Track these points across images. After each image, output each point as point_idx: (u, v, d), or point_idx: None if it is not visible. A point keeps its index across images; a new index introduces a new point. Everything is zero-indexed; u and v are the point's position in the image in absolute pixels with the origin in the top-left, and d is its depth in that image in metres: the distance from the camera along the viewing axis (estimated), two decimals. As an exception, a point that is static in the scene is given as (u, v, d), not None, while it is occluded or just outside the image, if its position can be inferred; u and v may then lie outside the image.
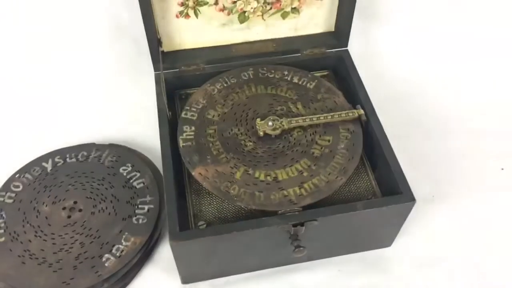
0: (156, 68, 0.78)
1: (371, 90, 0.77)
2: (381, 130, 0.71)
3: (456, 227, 0.79)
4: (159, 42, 0.76)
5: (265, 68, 0.79)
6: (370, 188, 0.71)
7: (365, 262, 0.75)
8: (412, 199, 0.64)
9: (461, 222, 0.79)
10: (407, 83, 0.99)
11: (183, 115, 0.73)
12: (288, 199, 0.65)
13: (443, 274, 0.74)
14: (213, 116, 0.73)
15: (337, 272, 0.73)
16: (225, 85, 0.77)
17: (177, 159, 0.70)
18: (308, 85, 0.77)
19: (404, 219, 0.69)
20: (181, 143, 0.70)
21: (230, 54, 0.81)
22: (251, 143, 0.71)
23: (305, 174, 0.67)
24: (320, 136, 0.71)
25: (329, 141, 0.70)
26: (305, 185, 0.66)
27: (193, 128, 0.72)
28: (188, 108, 0.74)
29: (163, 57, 0.78)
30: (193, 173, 0.67)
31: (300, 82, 0.78)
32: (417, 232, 0.77)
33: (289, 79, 0.78)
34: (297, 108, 0.74)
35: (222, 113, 0.74)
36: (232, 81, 0.77)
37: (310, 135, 0.71)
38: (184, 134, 0.71)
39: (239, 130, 0.72)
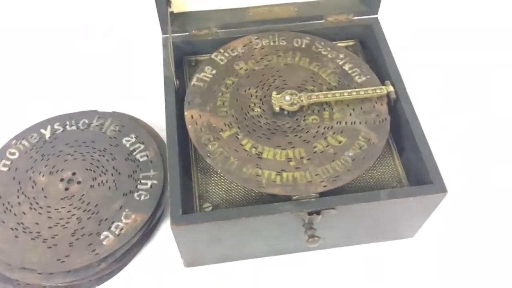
0: (163, 31, 0.71)
1: (402, 65, 0.69)
2: (412, 110, 0.64)
3: (485, 221, 0.72)
4: (168, 2, 0.69)
5: (322, 43, 0.71)
6: (395, 174, 0.64)
7: (384, 253, 0.69)
8: (443, 190, 0.57)
9: (490, 217, 0.73)
10: (443, 58, 0.90)
11: (213, 56, 0.70)
12: (258, 179, 0.58)
13: (465, 271, 0.68)
14: (240, 68, 0.68)
15: (350, 262, 0.68)
16: (271, 43, 0.71)
17: (183, 133, 0.64)
18: (357, 78, 0.68)
19: (432, 211, 0.62)
20: (194, 81, 0.66)
21: (247, 18, 0.74)
22: (259, 110, 0.65)
23: (291, 163, 0.60)
24: (334, 133, 0.63)
25: (340, 142, 0.62)
26: (283, 174, 0.59)
27: (214, 72, 0.68)
28: (222, 51, 0.70)
29: (172, 19, 0.71)
30: (185, 113, 0.64)
31: (350, 71, 0.68)
32: (442, 224, 0.71)
33: (340, 63, 0.69)
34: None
35: (250, 69, 0.68)
36: (281, 43, 0.71)
37: (325, 128, 0.63)
38: (202, 74, 0.67)
39: (256, 92, 0.66)
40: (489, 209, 0.73)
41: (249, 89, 0.67)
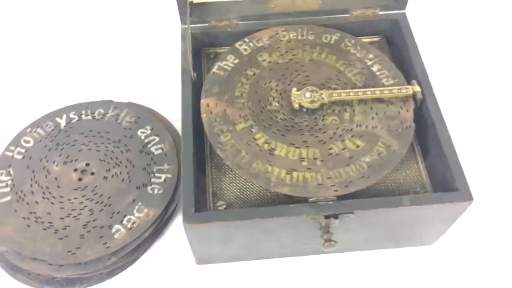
0: (182, 21, 0.69)
1: (429, 64, 0.66)
2: (439, 112, 0.61)
3: (510, 232, 0.69)
4: (188, -9, 0.67)
5: (352, 41, 0.69)
6: (419, 179, 0.61)
7: (401, 259, 0.66)
8: (469, 199, 0.55)
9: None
10: (474, 58, 0.86)
11: (237, 45, 0.68)
12: (267, 176, 0.56)
13: (485, 283, 0.65)
14: (264, 60, 0.66)
15: (365, 267, 0.66)
16: (299, 37, 0.69)
17: (199, 128, 0.62)
18: (385, 80, 0.65)
19: (455, 219, 0.59)
20: (214, 69, 0.65)
21: (268, 10, 0.71)
22: (277, 104, 0.63)
23: (304, 163, 0.58)
24: (352, 136, 0.60)
25: (358, 146, 0.59)
26: (294, 174, 0.57)
27: (236, 61, 0.66)
28: (247, 41, 0.68)
29: (192, 9, 0.69)
30: (201, 101, 0.62)
31: (377, 73, 0.65)
32: (463, 232, 0.68)
33: (369, 63, 0.66)
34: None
35: (274, 62, 0.66)
36: (309, 37, 0.69)
37: (343, 130, 0.60)
38: (223, 63, 0.66)
39: (277, 86, 0.64)
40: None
41: (269, 82, 0.65)
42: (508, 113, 0.80)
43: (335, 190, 0.55)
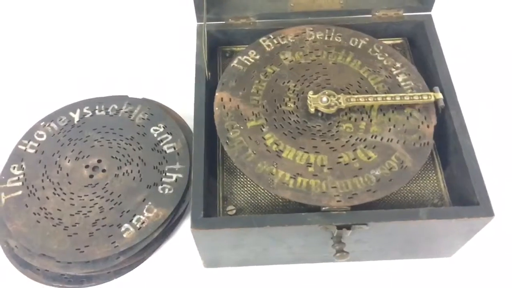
0: (198, 18, 0.67)
1: (454, 70, 0.63)
2: (462, 121, 0.58)
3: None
4: (205, -13, 0.65)
5: (381, 47, 0.66)
6: (437, 190, 0.59)
7: (416, 271, 0.64)
8: (490, 214, 0.52)
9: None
10: (501, 66, 0.82)
11: (260, 40, 0.67)
12: (270, 179, 0.55)
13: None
14: (285, 59, 0.65)
15: (378, 278, 0.64)
16: (326, 38, 0.67)
17: (211, 129, 0.60)
18: (409, 91, 0.61)
19: (474, 234, 0.57)
20: (234, 62, 0.65)
21: (288, 9, 0.69)
22: (292, 105, 0.61)
23: (310, 169, 0.56)
24: (365, 147, 0.57)
25: (369, 158, 0.57)
26: (298, 179, 0.55)
27: (257, 57, 0.65)
28: (272, 37, 0.67)
29: (208, 6, 0.67)
30: (216, 93, 0.62)
31: (402, 83, 0.62)
32: (482, 245, 0.65)
33: (394, 72, 0.63)
34: (372, 106, 0.61)
35: (295, 62, 0.65)
36: (336, 39, 0.67)
37: (357, 139, 0.58)
38: (244, 57, 0.65)
39: (295, 86, 0.63)
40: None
41: (288, 81, 0.63)
42: None
43: (338, 201, 0.53)
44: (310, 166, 0.56)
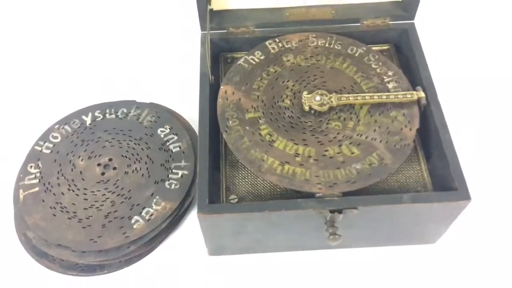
0: (202, 28, 0.73)
1: (435, 72, 0.69)
2: (442, 118, 0.64)
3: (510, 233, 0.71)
4: None
5: (376, 57, 0.71)
6: (421, 179, 0.64)
7: (403, 257, 0.69)
8: (467, 198, 0.58)
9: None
10: (479, 67, 0.89)
11: (267, 43, 0.73)
12: (260, 164, 0.61)
13: (484, 282, 0.67)
14: (287, 61, 0.71)
15: (369, 263, 0.69)
16: (327, 45, 0.73)
17: (215, 128, 0.66)
18: (398, 99, 0.66)
19: (455, 218, 0.62)
20: (240, 61, 0.71)
21: (283, 18, 0.75)
22: (288, 102, 0.67)
23: (297, 159, 0.61)
24: (350, 143, 0.63)
25: (352, 153, 0.62)
26: (285, 166, 0.61)
27: (262, 57, 0.71)
28: (277, 41, 0.73)
29: (211, 16, 0.73)
30: (221, 86, 0.68)
31: (392, 90, 0.67)
32: (465, 232, 0.71)
33: (386, 80, 0.69)
34: (361, 108, 0.66)
35: (296, 64, 0.71)
36: (336, 47, 0.73)
37: (343, 136, 0.64)
38: (250, 57, 0.71)
39: (293, 85, 0.69)
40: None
41: (287, 81, 0.69)
42: (508, 118, 0.83)
43: (319, 188, 0.59)
44: (297, 156, 0.62)
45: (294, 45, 0.72)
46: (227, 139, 0.63)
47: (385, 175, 0.61)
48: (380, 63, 0.71)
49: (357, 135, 0.64)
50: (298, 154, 0.62)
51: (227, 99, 0.67)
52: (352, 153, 0.62)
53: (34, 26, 0.98)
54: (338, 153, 0.62)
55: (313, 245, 0.68)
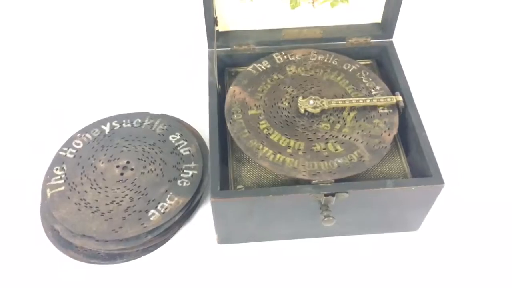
0: (210, 46, 0.84)
1: (412, 80, 0.80)
2: (418, 117, 0.74)
3: (487, 217, 0.81)
4: (215, 22, 0.82)
5: (367, 73, 0.81)
6: (401, 170, 0.74)
7: (389, 244, 0.78)
8: (441, 182, 0.67)
9: (492, 214, 0.81)
10: (450, 75, 1.02)
11: (274, 55, 0.83)
12: (256, 151, 0.71)
13: (465, 264, 0.76)
14: (290, 71, 0.81)
15: (360, 250, 0.77)
16: (325, 60, 0.83)
17: (222, 130, 0.76)
18: (381, 109, 0.76)
19: (432, 202, 0.72)
20: (250, 67, 0.82)
21: (280, 37, 0.86)
22: (286, 104, 0.77)
23: (288, 150, 0.71)
24: (335, 142, 0.72)
25: (336, 150, 0.71)
26: (277, 156, 0.70)
27: (268, 66, 0.82)
28: (283, 54, 0.84)
29: (217, 36, 0.84)
30: (230, 86, 0.79)
31: (378, 103, 0.75)
32: (445, 219, 0.80)
33: (373, 93, 0.78)
34: (349, 114, 0.76)
35: (297, 74, 0.81)
36: (333, 62, 0.83)
37: (330, 135, 0.73)
38: (258, 65, 0.82)
39: (292, 91, 0.79)
40: (492, 207, 0.82)
41: (288, 87, 0.79)
42: (476, 114, 0.96)
43: (304, 175, 0.68)
44: (289, 148, 0.72)
45: (297, 58, 0.83)
46: (230, 129, 0.73)
47: (362, 170, 0.70)
48: (370, 79, 0.80)
49: (342, 135, 0.74)
50: (290, 146, 0.72)
51: (234, 97, 0.77)
52: (336, 150, 0.72)
53: (64, 50, 1.07)
54: (324, 149, 0.72)
55: (311, 232, 0.77)
